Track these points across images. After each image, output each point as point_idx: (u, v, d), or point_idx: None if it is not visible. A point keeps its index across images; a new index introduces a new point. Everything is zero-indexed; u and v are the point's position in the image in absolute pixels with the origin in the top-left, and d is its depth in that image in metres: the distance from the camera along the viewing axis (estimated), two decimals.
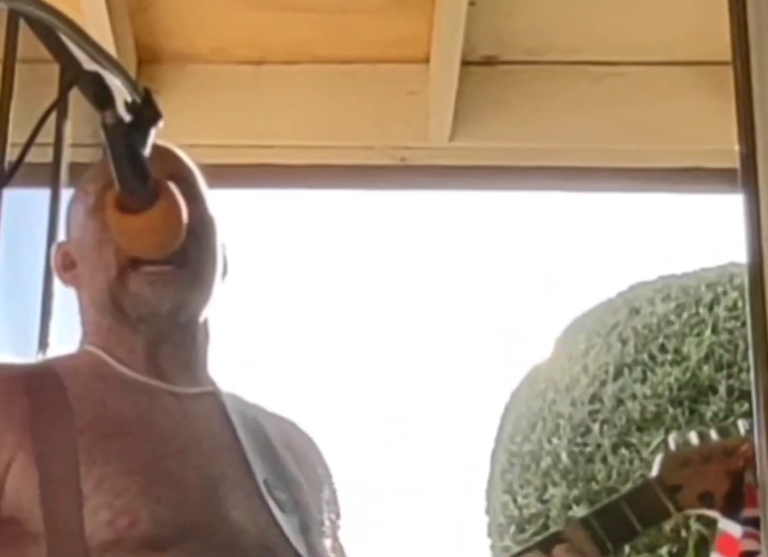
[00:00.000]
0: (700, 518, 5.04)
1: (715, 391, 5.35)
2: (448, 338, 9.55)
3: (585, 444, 5.52)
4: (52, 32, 1.21)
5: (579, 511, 5.39)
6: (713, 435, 1.82)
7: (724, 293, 5.70)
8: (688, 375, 5.45)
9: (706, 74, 3.15)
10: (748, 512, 1.70)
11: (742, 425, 1.83)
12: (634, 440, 5.36)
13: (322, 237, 9.46)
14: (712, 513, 1.75)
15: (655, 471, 1.74)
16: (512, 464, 5.86)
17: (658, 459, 1.76)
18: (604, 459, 5.40)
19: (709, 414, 5.25)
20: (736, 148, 2.42)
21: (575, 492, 5.44)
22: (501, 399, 6.25)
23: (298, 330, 9.10)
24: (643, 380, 5.55)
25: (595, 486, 5.39)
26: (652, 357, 5.62)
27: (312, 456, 1.64)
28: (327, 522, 1.56)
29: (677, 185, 3.32)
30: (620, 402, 5.52)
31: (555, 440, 5.64)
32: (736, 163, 2.43)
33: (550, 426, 5.73)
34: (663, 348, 5.63)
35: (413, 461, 8.98)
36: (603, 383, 5.65)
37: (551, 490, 5.55)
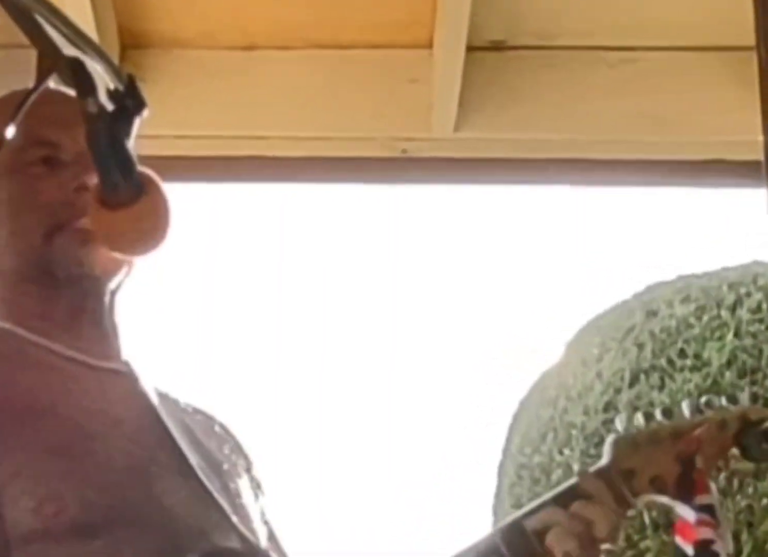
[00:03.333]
0: None
1: (737, 399, 5.35)
2: (449, 338, 9.55)
3: (599, 456, 5.50)
4: (29, 14, 1.21)
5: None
6: (658, 415, 1.84)
7: (748, 294, 5.69)
8: (709, 381, 5.44)
9: (728, 60, 3.15)
10: (700, 499, 1.71)
11: (685, 406, 1.84)
12: None
13: (319, 233, 9.46)
14: (664, 500, 1.76)
15: (606, 457, 1.75)
16: (521, 477, 5.85)
17: (607, 443, 1.78)
18: None
19: None
20: (761, 138, 2.43)
21: None
22: (509, 408, 6.25)
23: (297, 326, 9.10)
24: (661, 387, 5.54)
25: None
26: (670, 362, 5.61)
27: (233, 446, 1.62)
28: (256, 506, 1.55)
29: (697, 178, 3.33)
30: (636, 410, 5.51)
31: (567, 451, 5.63)
32: (760, 155, 2.43)
33: (561, 437, 5.72)
34: (682, 353, 5.62)
35: (417, 475, 8.98)
36: (618, 390, 5.64)
37: None
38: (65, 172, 1.49)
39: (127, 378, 1.52)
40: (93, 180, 1.38)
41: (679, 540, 1.78)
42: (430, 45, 3.16)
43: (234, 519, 1.45)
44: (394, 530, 8.78)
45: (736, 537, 5.06)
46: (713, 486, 1.75)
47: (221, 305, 9.08)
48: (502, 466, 6.12)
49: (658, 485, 1.72)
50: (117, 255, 1.44)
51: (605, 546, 1.56)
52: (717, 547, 1.71)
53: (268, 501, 1.60)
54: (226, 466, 1.54)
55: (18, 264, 1.51)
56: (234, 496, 1.50)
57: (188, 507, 1.42)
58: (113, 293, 1.54)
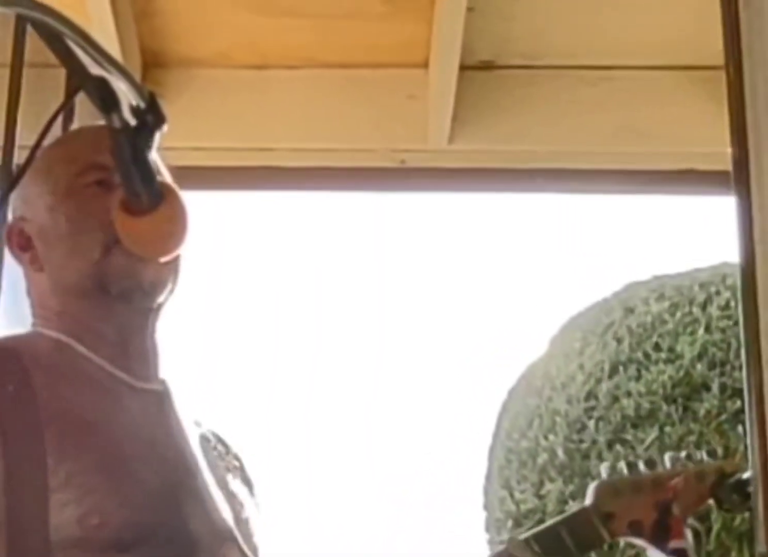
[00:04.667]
0: None
1: (708, 389, 5.35)
2: (446, 338, 9.55)
3: (581, 441, 5.51)
4: (59, 37, 1.21)
5: (575, 506, 5.39)
6: (641, 466, 1.85)
7: (717, 293, 5.69)
8: (681, 373, 5.45)
9: (699, 78, 3.15)
10: (674, 543, 1.72)
11: (668, 459, 1.85)
12: (629, 437, 5.35)
13: (323, 239, 9.45)
14: (640, 542, 1.77)
15: (588, 499, 1.76)
16: (509, 460, 5.85)
17: (591, 488, 1.79)
18: (600, 456, 5.40)
19: (702, 412, 5.25)
20: (729, 150, 2.43)
21: (571, 487, 5.44)
22: (498, 397, 6.25)
23: (297, 332, 9.09)
24: (638, 378, 5.54)
25: (590, 482, 5.37)
26: (646, 355, 5.61)
27: (236, 465, 1.61)
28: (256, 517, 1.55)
29: (671, 187, 3.32)
30: (615, 399, 5.52)
31: (551, 437, 5.63)
32: (728, 166, 2.43)
33: (546, 423, 5.72)
34: (657, 347, 5.63)
35: (411, 458, 8.97)
36: (598, 381, 5.65)
37: (548, 486, 5.54)
38: (118, 192, 1.50)
39: (161, 398, 1.52)
40: None
41: None
42: (426, 65, 3.17)
43: (239, 539, 1.45)
44: (388, 518, 8.77)
45: (708, 516, 5.06)
46: (688, 533, 1.76)
47: (229, 308, 9.07)
48: (492, 450, 6.11)
49: (635, 528, 1.73)
50: (144, 256, 1.44)
51: None
52: None
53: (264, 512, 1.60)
54: (237, 492, 1.54)
55: (76, 279, 1.50)
56: (238, 513, 1.50)
57: (203, 526, 1.43)
58: (158, 311, 1.53)
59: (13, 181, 1.51)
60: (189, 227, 1.38)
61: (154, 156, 1.34)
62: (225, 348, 8.57)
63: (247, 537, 1.49)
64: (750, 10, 2.42)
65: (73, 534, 1.33)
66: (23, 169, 1.35)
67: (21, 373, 1.42)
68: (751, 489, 1.86)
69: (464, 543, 7.04)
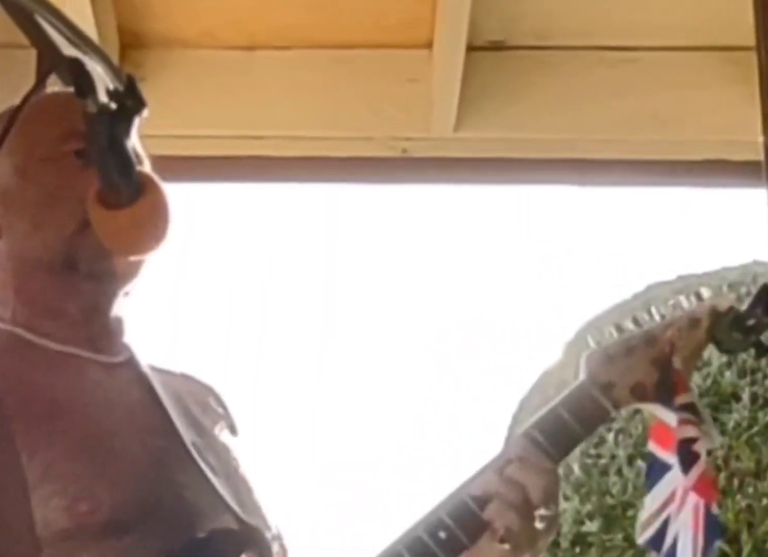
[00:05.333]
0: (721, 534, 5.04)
1: (738, 399, 5.35)
2: (449, 338, 9.55)
3: (599, 456, 5.51)
4: (29, 15, 1.21)
5: (592, 527, 5.39)
6: (631, 325, 1.84)
7: (748, 294, 5.68)
8: (709, 381, 5.45)
9: (728, 60, 3.15)
10: (680, 399, 1.72)
11: (655, 311, 1.84)
12: None
13: (319, 233, 9.46)
14: (645, 406, 1.76)
15: (583, 373, 1.75)
16: None
17: (582, 360, 1.78)
18: (619, 472, 5.40)
19: (731, 423, 5.25)
20: (761, 139, 2.43)
21: (588, 506, 5.44)
22: (509, 408, 6.24)
23: (296, 325, 9.11)
24: None
25: (609, 500, 5.38)
26: None
27: (226, 422, 1.62)
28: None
29: (697, 178, 3.32)
30: (636, 410, 5.51)
31: None
32: (760, 155, 2.44)
33: None
34: None
35: (419, 473, 8.98)
36: None
37: (563, 504, 5.53)
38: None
39: (129, 366, 1.53)
40: None
41: (653, 447, 1.79)
42: (429, 45, 3.16)
43: (230, 501, 1.46)
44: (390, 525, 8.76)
45: (736, 538, 5.06)
46: (692, 385, 1.76)
47: (219, 303, 9.09)
48: None
49: (638, 392, 1.73)
50: (120, 253, 1.44)
51: (540, 512, 1.57)
52: (698, 446, 1.73)
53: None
54: (220, 441, 1.55)
55: (41, 254, 1.50)
56: (228, 469, 1.51)
57: (195, 492, 1.43)
58: (125, 296, 1.54)
59: None
60: (171, 223, 1.38)
61: (133, 144, 1.33)
62: (213, 345, 8.58)
63: (247, 492, 1.50)
64: None
65: (64, 526, 1.33)
66: None
67: None
68: (751, 321, 1.84)
69: None
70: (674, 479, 1.74)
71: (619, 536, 5.33)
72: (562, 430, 1.67)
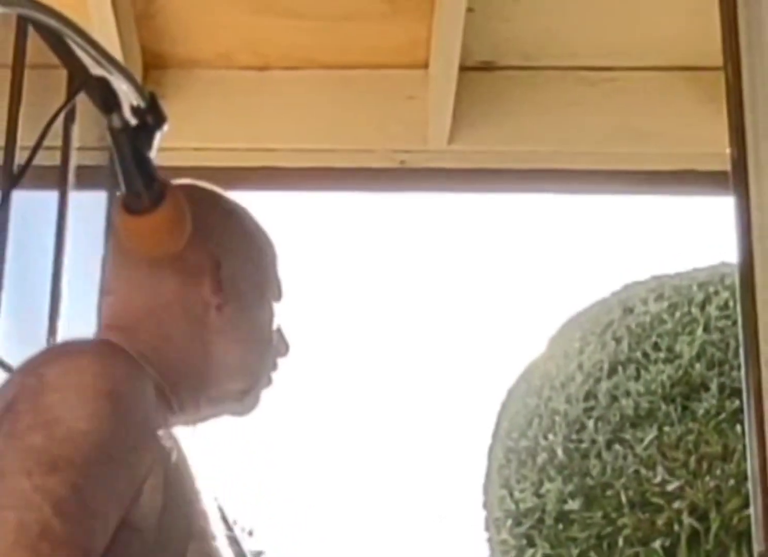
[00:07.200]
0: (692, 512, 5.04)
1: (707, 388, 5.35)
2: (446, 338, 9.55)
3: (580, 441, 5.51)
4: (60, 38, 1.20)
5: (574, 505, 5.39)
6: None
7: (716, 293, 5.69)
8: (680, 372, 5.45)
9: (697, 79, 3.15)
10: None
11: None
12: (627, 436, 5.35)
13: (323, 238, 9.46)
14: None
15: None
16: (509, 460, 5.85)
17: None
18: (599, 455, 5.40)
19: (701, 411, 5.25)
20: (728, 151, 2.42)
21: (570, 486, 5.44)
22: (498, 397, 6.25)
23: (294, 334, 9.09)
24: (637, 377, 5.55)
25: (589, 481, 5.38)
26: (645, 355, 5.61)
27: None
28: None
29: (670, 187, 3.32)
30: (614, 399, 5.52)
31: (551, 436, 5.63)
32: (727, 166, 2.43)
33: (546, 423, 5.73)
34: (656, 347, 5.63)
35: (412, 458, 8.97)
36: (597, 380, 5.65)
37: (547, 485, 5.54)
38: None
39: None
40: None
41: None
42: (426, 65, 3.16)
43: None
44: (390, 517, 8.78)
45: (706, 515, 5.06)
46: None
47: None
48: (491, 450, 6.11)
49: None
50: (144, 255, 1.44)
51: None
52: None
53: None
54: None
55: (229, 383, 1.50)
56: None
57: None
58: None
59: (15, 180, 1.51)
60: (188, 227, 1.38)
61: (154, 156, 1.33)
62: None
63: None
64: (748, 11, 2.42)
65: None
66: (24, 168, 1.34)
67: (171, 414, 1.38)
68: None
69: (464, 541, 7.04)
70: None
71: (599, 514, 5.33)
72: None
